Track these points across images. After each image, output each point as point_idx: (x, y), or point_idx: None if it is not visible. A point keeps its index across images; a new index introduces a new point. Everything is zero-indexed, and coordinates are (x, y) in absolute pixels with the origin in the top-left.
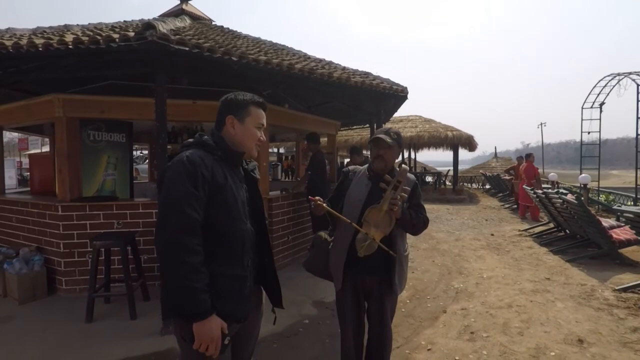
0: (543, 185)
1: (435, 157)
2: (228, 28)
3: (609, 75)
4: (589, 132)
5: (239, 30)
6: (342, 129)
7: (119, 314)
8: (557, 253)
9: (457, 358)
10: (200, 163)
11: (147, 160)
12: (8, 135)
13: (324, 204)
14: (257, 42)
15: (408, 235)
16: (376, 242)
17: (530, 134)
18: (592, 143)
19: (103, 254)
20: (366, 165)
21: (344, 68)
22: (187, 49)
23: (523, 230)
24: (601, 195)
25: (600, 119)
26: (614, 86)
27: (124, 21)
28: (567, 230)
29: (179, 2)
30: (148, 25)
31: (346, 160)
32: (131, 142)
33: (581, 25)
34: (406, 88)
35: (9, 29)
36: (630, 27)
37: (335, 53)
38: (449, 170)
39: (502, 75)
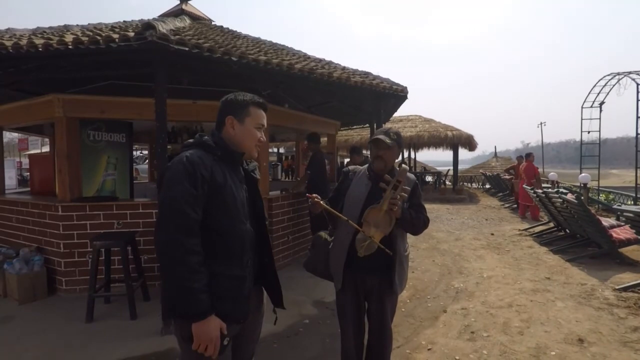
0: (543, 185)
1: (435, 157)
2: (228, 28)
3: (608, 75)
4: (588, 132)
5: (238, 30)
6: (342, 129)
7: (119, 314)
8: (557, 252)
9: (457, 358)
10: (199, 163)
11: (147, 160)
12: (8, 135)
13: (322, 202)
14: (257, 42)
15: (408, 235)
16: (376, 242)
17: (530, 133)
18: (592, 142)
19: (103, 254)
20: (366, 165)
21: (343, 68)
22: (187, 49)
23: (523, 230)
24: (601, 195)
25: (600, 119)
26: (613, 85)
27: (124, 21)
28: (567, 230)
29: (178, 2)
30: (148, 26)
31: (346, 160)
32: (131, 142)
33: (581, 26)
34: (406, 88)
35: (8, 29)
36: (631, 28)
37: (335, 53)
38: (449, 169)
39: (502, 75)
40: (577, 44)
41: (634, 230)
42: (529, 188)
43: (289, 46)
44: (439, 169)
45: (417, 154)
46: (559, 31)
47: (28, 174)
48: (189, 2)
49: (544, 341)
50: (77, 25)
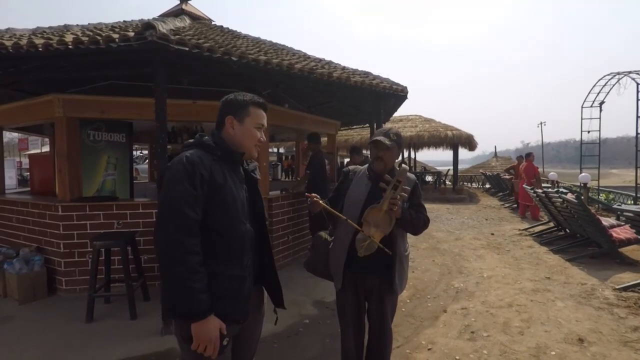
0: (543, 185)
1: (435, 157)
2: (228, 28)
3: (608, 74)
4: (588, 131)
5: (238, 30)
6: (342, 128)
7: (119, 314)
8: (557, 252)
9: (457, 357)
10: (199, 163)
11: (147, 160)
12: (8, 135)
13: (321, 201)
14: (257, 42)
15: (408, 234)
16: (376, 242)
17: (530, 133)
18: (592, 142)
19: (103, 254)
20: (366, 165)
21: (343, 68)
22: (187, 49)
23: (523, 230)
24: (601, 194)
25: (600, 118)
26: (613, 85)
27: (124, 21)
28: (567, 230)
29: (178, 2)
30: (148, 25)
31: (346, 160)
32: (131, 142)
33: (581, 26)
34: (406, 87)
35: (8, 29)
36: (631, 28)
37: (335, 53)
38: (448, 169)
39: (502, 75)
40: (577, 44)
41: (634, 230)
42: (529, 188)
43: (289, 46)
44: (439, 168)
45: (417, 153)
46: (559, 31)
47: (28, 174)
48: (189, 2)
49: (544, 341)
50: (77, 25)
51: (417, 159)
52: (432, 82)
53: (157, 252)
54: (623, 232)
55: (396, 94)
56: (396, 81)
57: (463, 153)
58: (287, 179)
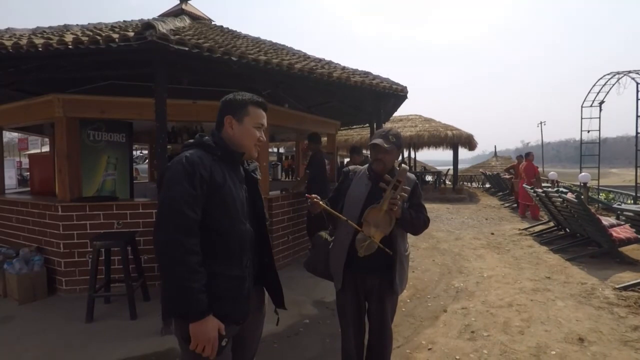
0: (543, 184)
1: (435, 157)
2: (228, 28)
3: (608, 74)
4: (588, 131)
5: (238, 30)
6: (342, 128)
7: (119, 314)
8: (557, 252)
9: (457, 357)
10: (198, 163)
11: (147, 160)
12: (8, 135)
13: (321, 202)
14: (257, 42)
15: (408, 234)
16: (376, 242)
17: (530, 132)
18: (592, 142)
19: (103, 254)
20: (366, 165)
21: (343, 68)
22: (186, 49)
23: (523, 229)
24: (601, 194)
25: (600, 118)
26: (613, 84)
27: (124, 21)
28: (567, 229)
29: (178, 2)
30: (148, 25)
31: (346, 160)
32: (131, 142)
33: (581, 26)
34: (406, 87)
35: (8, 29)
36: (631, 28)
37: (335, 53)
38: (448, 169)
39: (502, 75)
40: (577, 44)
41: (634, 230)
42: (529, 187)
43: (289, 46)
44: (438, 168)
45: (417, 153)
46: (559, 31)
47: (28, 173)
48: (188, 2)
49: (545, 340)
50: (77, 25)
51: (417, 158)
52: (432, 82)
53: (156, 252)
54: (623, 231)
55: (396, 94)
56: (396, 81)
57: (463, 153)
58: (287, 179)
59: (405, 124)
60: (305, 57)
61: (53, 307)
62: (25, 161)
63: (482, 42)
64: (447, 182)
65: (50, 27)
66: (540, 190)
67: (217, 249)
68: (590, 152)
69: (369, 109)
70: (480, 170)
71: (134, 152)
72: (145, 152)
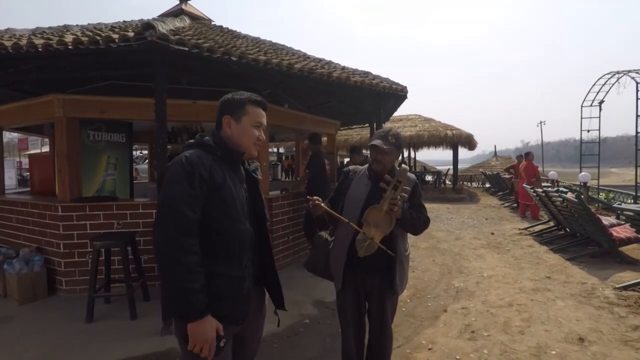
0: (543, 184)
1: (435, 156)
2: (227, 28)
3: (608, 73)
4: (588, 130)
5: (238, 30)
6: (342, 128)
7: (119, 314)
8: (557, 251)
9: (457, 357)
10: (198, 163)
11: (147, 160)
12: (8, 135)
13: (322, 204)
14: (257, 42)
15: (408, 234)
16: (376, 243)
17: (530, 132)
18: (592, 141)
19: (103, 254)
20: (366, 165)
21: (343, 67)
22: (186, 49)
23: (523, 229)
24: (601, 194)
25: (599, 117)
26: (613, 84)
27: (124, 21)
28: (567, 229)
29: (178, 2)
30: (147, 26)
31: (346, 160)
32: (131, 142)
33: (581, 26)
34: (406, 87)
35: (8, 29)
36: (631, 28)
37: (335, 53)
38: (448, 169)
39: (502, 75)
40: (577, 44)
41: (634, 229)
42: (529, 187)
43: (289, 46)
44: (438, 168)
45: (416, 153)
46: (559, 31)
47: (28, 174)
48: (188, 2)
49: (545, 340)
50: (77, 25)
51: (417, 158)
52: (432, 82)
53: (156, 252)
54: (623, 231)
55: (396, 94)
56: (396, 81)
57: (463, 152)
58: (287, 179)
59: (405, 124)
60: (305, 57)
61: (53, 307)
62: (25, 161)
63: (482, 42)
64: (447, 182)
65: (50, 28)
66: (540, 190)
67: (217, 249)
68: (590, 151)
69: (368, 108)
70: (480, 170)
71: (134, 152)
72: (145, 152)
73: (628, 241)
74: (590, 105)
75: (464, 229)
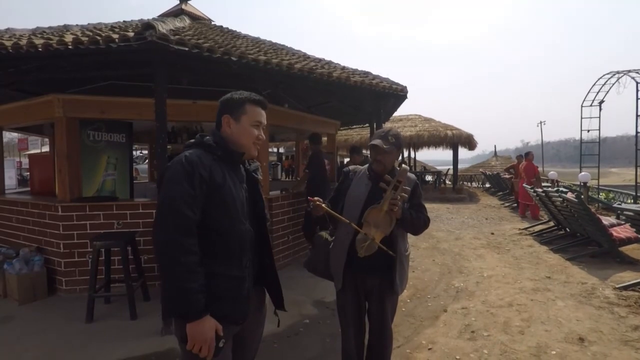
0: (543, 184)
1: (435, 156)
2: (227, 28)
3: (608, 73)
4: (588, 130)
5: (238, 30)
6: (342, 128)
7: (119, 314)
8: (557, 251)
9: (457, 357)
10: (198, 163)
11: (147, 160)
12: (8, 135)
13: (323, 205)
14: (257, 42)
15: (408, 234)
16: (376, 243)
17: (530, 132)
18: (592, 141)
19: (103, 254)
20: (366, 165)
21: (343, 67)
22: (186, 49)
23: (523, 229)
24: (601, 193)
25: (599, 117)
26: (613, 84)
27: (124, 21)
28: (568, 229)
29: (178, 2)
30: (147, 26)
31: (346, 160)
32: (131, 142)
33: (581, 26)
34: (406, 87)
35: (8, 29)
36: (631, 28)
37: (335, 53)
38: (448, 169)
39: (502, 75)
40: (577, 44)
41: (634, 229)
42: (529, 187)
43: (289, 46)
44: (438, 168)
45: (417, 153)
46: (559, 31)
47: (28, 174)
48: (188, 2)
49: (545, 340)
50: (77, 25)
51: (417, 158)
52: (432, 82)
53: (156, 252)
54: (623, 231)
55: (396, 94)
56: (396, 81)
57: (463, 152)
58: (287, 179)
59: (405, 124)
60: (305, 57)
61: (53, 307)
62: (25, 161)
63: (482, 42)
64: (447, 181)
65: (50, 28)
66: (540, 189)
67: (216, 249)
68: (590, 151)
69: (368, 108)
70: (480, 170)
71: (134, 152)
72: (145, 152)
73: (628, 241)
74: (590, 105)
75: (464, 229)
